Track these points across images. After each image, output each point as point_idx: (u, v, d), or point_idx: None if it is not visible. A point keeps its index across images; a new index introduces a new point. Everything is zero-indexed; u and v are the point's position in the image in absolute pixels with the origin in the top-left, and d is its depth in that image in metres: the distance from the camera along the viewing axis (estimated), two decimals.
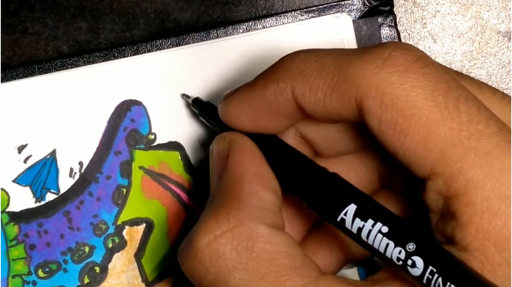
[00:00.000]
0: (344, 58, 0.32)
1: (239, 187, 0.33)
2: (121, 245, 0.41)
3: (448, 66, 0.44)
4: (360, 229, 0.32)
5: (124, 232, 0.41)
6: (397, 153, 0.31)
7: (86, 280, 0.41)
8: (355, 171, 0.36)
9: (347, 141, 0.36)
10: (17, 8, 0.42)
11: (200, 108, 0.39)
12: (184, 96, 0.40)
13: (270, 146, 0.35)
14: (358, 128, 0.35)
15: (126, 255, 0.41)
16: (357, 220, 0.32)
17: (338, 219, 0.32)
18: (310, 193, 0.34)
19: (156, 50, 0.41)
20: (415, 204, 0.33)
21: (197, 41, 0.41)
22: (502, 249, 0.29)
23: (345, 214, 0.32)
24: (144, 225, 0.41)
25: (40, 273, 0.41)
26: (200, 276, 0.33)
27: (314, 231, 0.37)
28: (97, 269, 0.41)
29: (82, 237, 0.41)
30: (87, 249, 0.41)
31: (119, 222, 0.41)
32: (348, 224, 0.32)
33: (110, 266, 0.41)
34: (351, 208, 0.32)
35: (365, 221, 0.31)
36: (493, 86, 0.42)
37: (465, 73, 0.35)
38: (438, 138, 0.30)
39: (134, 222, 0.41)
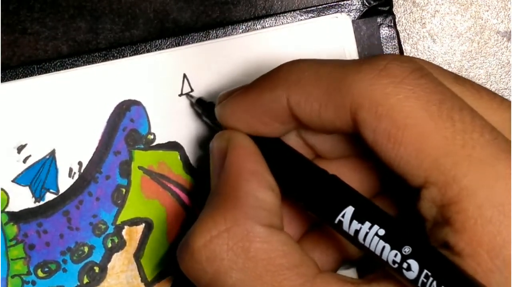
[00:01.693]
0: (341, 69, 0.32)
1: (236, 185, 0.33)
2: (121, 245, 0.41)
3: (447, 66, 0.44)
4: (357, 231, 0.32)
5: (124, 232, 0.41)
6: (391, 163, 0.31)
7: (86, 280, 0.41)
8: (355, 174, 0.36)
9: (347, 146, 0.36)
10: (16, 8, 0.42)
11: (203, 108, 0.39)
12: (188, 96, 0.41)
13: (271, 146, 0.35)
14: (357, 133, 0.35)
15: (126, 255, 0.41)
16: (354, 222, 0.32)
17: (336, 221, 0.32)
18: (308, 194, 0.34)
19: (156, 50, 0.41)
20: (411, 210, 0.33)
21: (196, 41, 0.41)
22: (495, 256, 0.29)
23: (342, 216, 0.32)
24: (143, 225, 0.41)
25: (40, 273, 0.41)
26: (198, 276, 0.33)
27: (311, 232, 0.37)
28: (97, 269, 0.41)
29: (81, 237, 0.41)
30: (86, 249, 0.41)
31: (118, 222, 0.41)
32: (345, 226, 0.32)
33: (109, 266, 0.41)
34: (349, 210, 0.32)
35: (362, 223, 0.31)
36: (492, 86, 0.42)
37: (464, 75, 0.35)
38: (431, 148, 0.30)
39: (133, 222, 0.41)
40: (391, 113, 0.31)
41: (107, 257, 0.41)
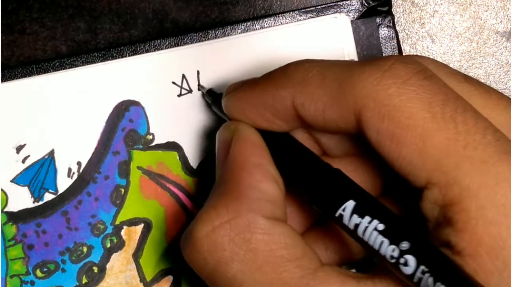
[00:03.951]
0: (346, 70, 0.32)
1: (239, 177, 0.34)
2: (119, 245, 0.41)
3: None
4: (357, 225, 0.32)
5: (122, 232, 0.41)
6: (394, 164, 0.31)
7: (84, 280, 0.41)
8: (358, 173, 0.36)
9: (352, 144, 0.36)
10: (15, 8, 0.42)
11: (212, 98, 0.39)
12: (200, 86, 0.41)
13: (277, 139, 0.35)
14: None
15: (124, 255, 0.41)
16: (355, 216, 0.32)
17: (337, 215, 0.32)
18: (312, 186, 0.34)
19: (154, 50, 0.41)
20: (414, 211, 0.33)
21: (195, 42, 0.41)
22: (495, 257, 0.29)
23: (343, 210, 0.32)
24: (142, 225, 0.41)
25: (38, 273, 0.41)
26: (200, 266, 0.33)
27: (314, 228, 0.37)
28: (95, 269, 0.41)
29: (80, 237, 0.41)
30: (85, 249, 0.41)
31: (117, 222, 0.41)
32: (345, 220, 0.32)
33: (108, 266, 0.41)
34: (350, 204, 0.32)
35: (362, 217, 0.32)
36: (491, 86, 0.42)
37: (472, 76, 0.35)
38: (434, 148, 0.30)
39: (132, 222, 0.41)
40: (394, 114, 0.31)
41: (106, 257, 0.41)
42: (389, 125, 0.31)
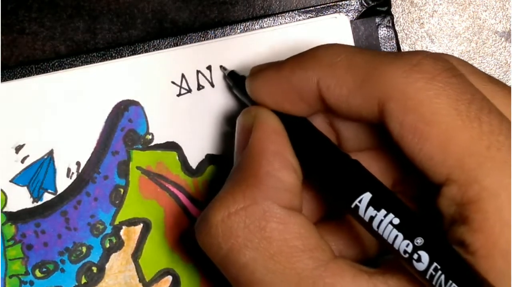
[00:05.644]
0: (375, 59, 0.32)
1: (258, 164, 0.34)
2: (119, 245, 0.41)
3: None
4: (372, 218, 0.32)
5: (122, 232, 0.41)
6: (415, 158, 0.31)
7: (84, 280, 0.41)
8: (373, 169, 0.36)
9: (370, 137, 0.36)
10: (14, 8, 0.42)
11: (234, 81, 0.39)
12: (222, 68, 0.40)
13: (297, 125, 0.35)
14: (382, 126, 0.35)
15: (124, 255, 0.41)
16: (370, 208, 0.32)
17: (352, 206, 0.32)
18: (329, 176, 0.34)
19: (154, 50, 0.41)
20: (430, 207, 0.33)
21: (195, 42, 0.41)
22: (509, 261, 0.29)
23: (359, 201, 0.32)
24: (141, 225, 0.41)
25: (37, 273, 0.41)
26: (213, 250, 0.33)
27: (324, 223, 0.37)
28: (95, 269, 0.41)
29: (79, 237, 0.41)
30: (84, 249, 0.41)
31: (116, 222, 0.41)
32: (361, 212, 0.32)
33: (107, 266, 0.41)
34: (366, 196, 0.32)
35: (378, 210, 0.32)
36: None
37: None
38: (457, 146, 0.30)
39: (131, 222, 0.41)
40: (420, 108, 0.31)
41: (105, 257, 0.41)
42: (414, 119, 0.31)
